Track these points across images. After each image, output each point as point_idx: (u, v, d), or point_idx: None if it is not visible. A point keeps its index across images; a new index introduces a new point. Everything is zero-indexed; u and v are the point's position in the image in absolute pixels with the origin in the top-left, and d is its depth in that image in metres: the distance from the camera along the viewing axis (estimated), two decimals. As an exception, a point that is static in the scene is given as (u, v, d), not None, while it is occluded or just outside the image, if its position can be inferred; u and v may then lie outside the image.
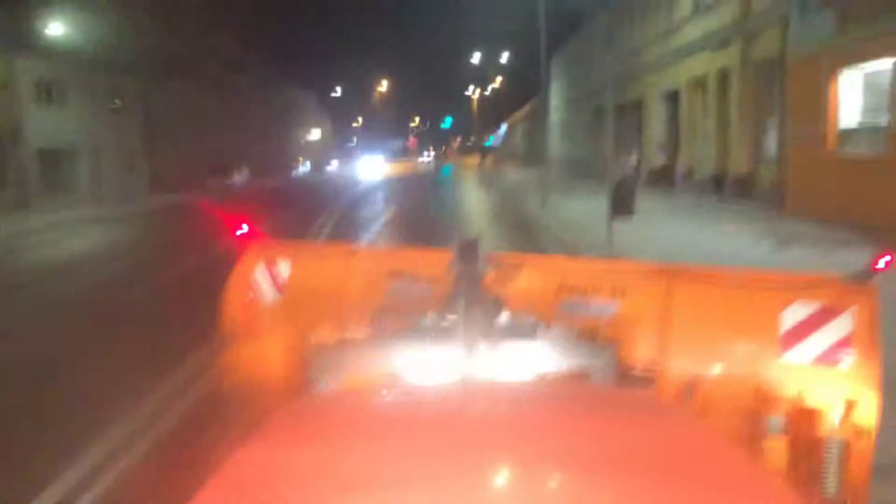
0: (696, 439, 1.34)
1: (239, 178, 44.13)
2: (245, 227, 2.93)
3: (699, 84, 24.30)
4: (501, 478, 1.06)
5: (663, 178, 26.64)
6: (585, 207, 18.89)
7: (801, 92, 16.60)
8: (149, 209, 29.63)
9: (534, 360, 2.19)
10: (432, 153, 66.24)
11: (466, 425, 1.33)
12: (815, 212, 15.07)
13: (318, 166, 60.71)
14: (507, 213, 22.47)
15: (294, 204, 28.84)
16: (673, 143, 27.28)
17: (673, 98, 27.02)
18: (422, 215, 22.21)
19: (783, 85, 17.66)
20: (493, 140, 67.92)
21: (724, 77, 22.00)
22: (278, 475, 1.10)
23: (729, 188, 21.32)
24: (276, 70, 56.70)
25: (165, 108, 38.36)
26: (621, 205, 15.50)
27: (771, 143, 18.91)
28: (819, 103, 15.80)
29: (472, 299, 2.25)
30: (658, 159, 28.35)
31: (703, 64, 23.45)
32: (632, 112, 30.68)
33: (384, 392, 1.79)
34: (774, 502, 1.05)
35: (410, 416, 1.42)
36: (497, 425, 1.35)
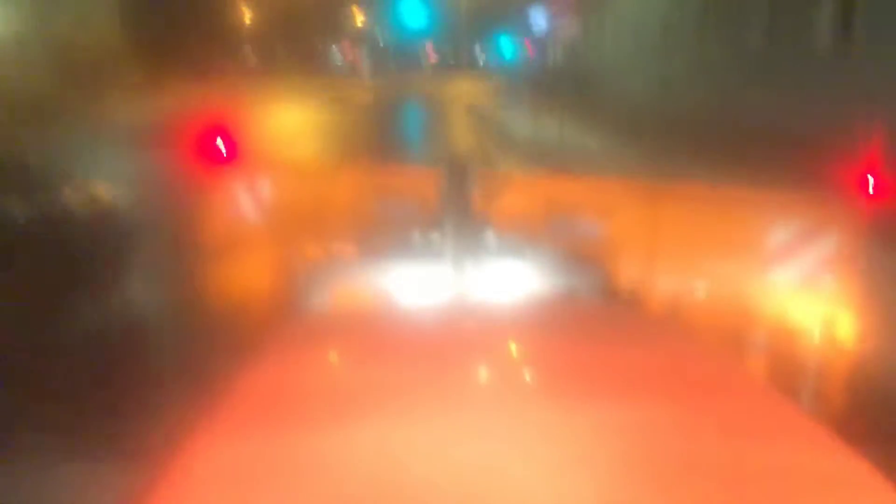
0: (687, 352, 1.37)
1: None
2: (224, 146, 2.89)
3: None
4: (504, 393, 1.08)
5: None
6: None
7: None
8: None
9: (521, 278, 2.21)
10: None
11: (467, 345, 1.36)
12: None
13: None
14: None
15: None
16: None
17: None
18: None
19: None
20: (514, 50, 30.14)
21: None
22: (290, 398, 1.12)
23: None
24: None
25: None
26: None
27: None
28: None
29: (460, 218, 2.25)
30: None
31: None
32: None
33: (381, 313, 1.81)
34: (766, 409, 1.08)
35: (409, 337, 1.45)
36: (495, 345, 1.38)
